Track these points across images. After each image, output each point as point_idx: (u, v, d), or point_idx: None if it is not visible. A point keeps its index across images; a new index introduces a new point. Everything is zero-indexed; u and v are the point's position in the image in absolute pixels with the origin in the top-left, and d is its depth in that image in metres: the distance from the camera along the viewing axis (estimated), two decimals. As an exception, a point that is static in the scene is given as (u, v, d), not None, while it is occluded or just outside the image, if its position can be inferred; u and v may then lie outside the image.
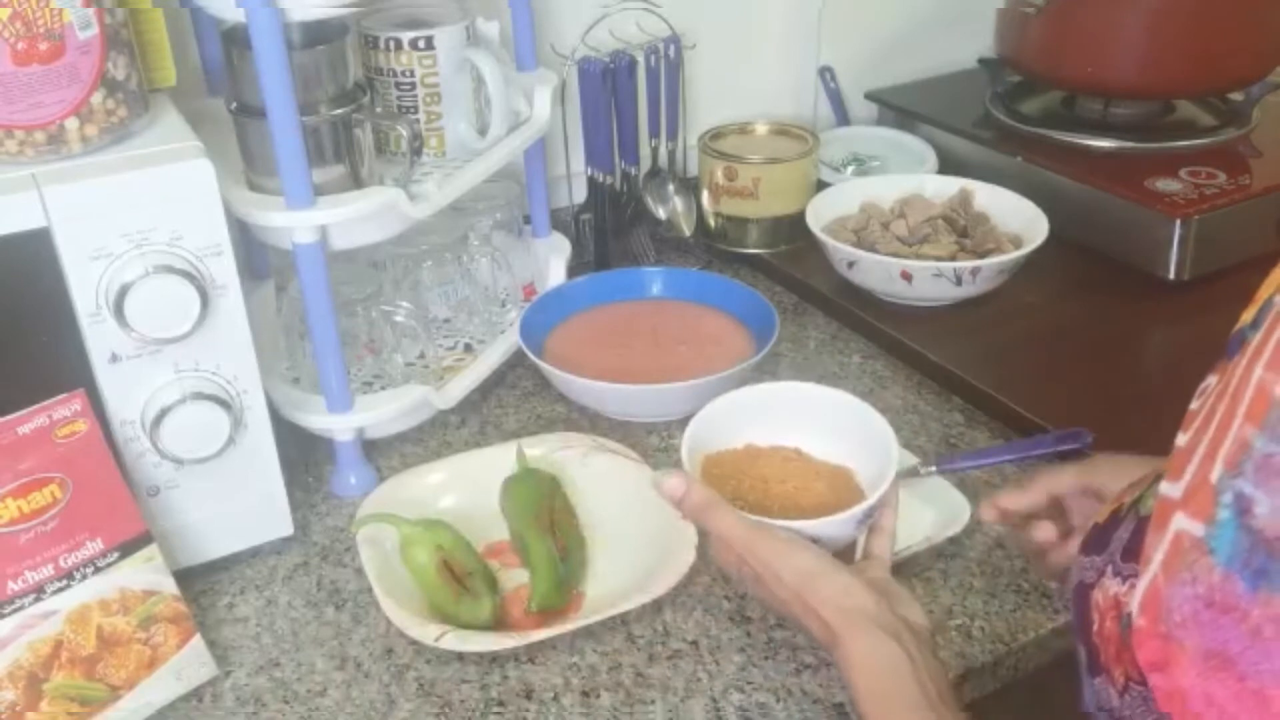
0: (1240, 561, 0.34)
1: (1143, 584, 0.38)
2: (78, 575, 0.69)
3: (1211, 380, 0.40)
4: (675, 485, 0.65)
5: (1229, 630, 0.34)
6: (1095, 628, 0.44)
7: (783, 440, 0.74)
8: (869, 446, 0.71)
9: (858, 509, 0.65)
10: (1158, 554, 0.38)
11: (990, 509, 0.73)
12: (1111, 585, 0.42)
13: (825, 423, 0.73)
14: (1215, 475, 0.36)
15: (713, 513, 0.65)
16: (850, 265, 1.10)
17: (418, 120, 0.96)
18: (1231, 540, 0.34)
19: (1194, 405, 0.40)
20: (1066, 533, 0.71)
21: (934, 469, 0.85)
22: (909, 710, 0.54)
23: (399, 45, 0.93)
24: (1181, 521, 0.37)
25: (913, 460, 0.87)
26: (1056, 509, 0.72)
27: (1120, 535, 0.44)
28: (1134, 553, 0.41)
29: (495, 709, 0.72)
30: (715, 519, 0.65)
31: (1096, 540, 0.47)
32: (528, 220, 1.14)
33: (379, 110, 0.93)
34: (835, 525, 0.65)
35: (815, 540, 0.64)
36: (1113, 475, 0.66)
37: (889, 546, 0.68)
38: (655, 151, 1.22)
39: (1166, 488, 0.39)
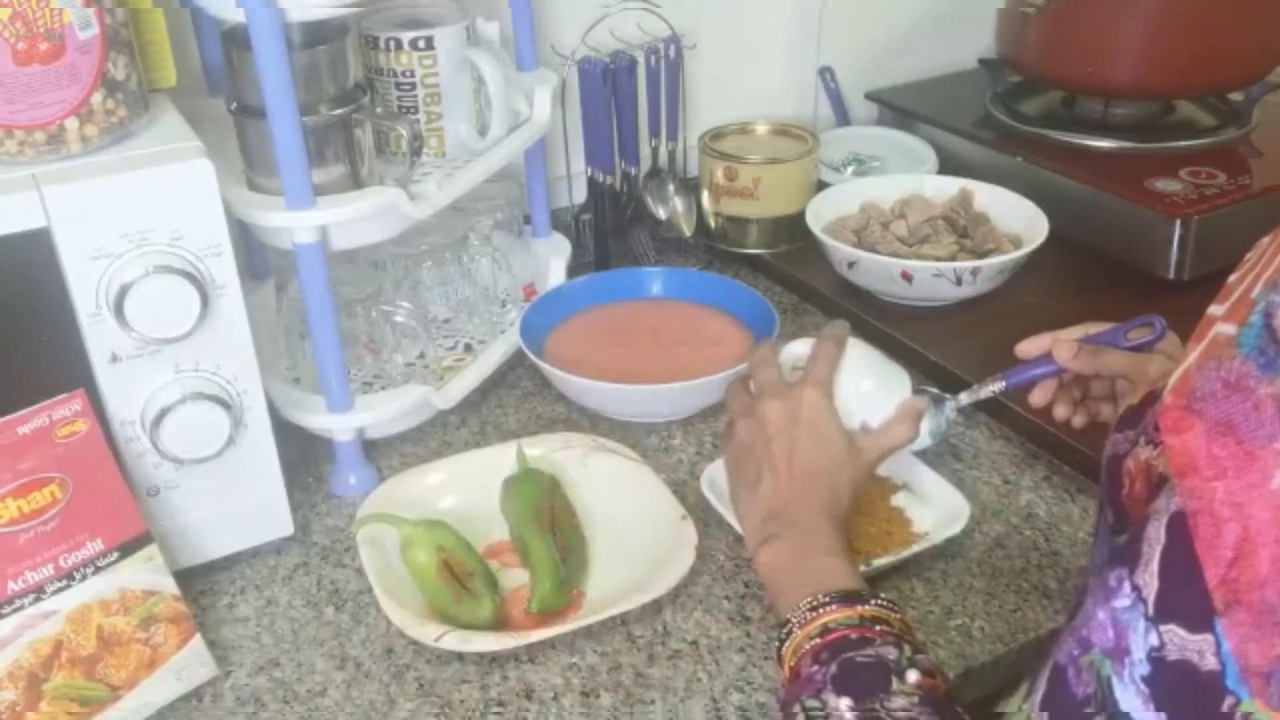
0: (1258, 351, 0.42)
1: (1176, 374, 0.46)
2: (78, 575, 0.69)
3: (1266, 239, 0.48)
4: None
5: (1237, 405, 0.42)
6: (1125, 490, 0.51)
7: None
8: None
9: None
10: (1194, 353, 0.46)
11: (1066, 350, 0.77)
12: (1143, 452, 0.49)
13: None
14: (1255, 292, 0.44)
15: (763, 367, 0.78)
16: (850, 265, 1.10)
17: (418, 120, 0.96)
18: (1256, 336, 0.42)
19: (1248, 255, 0.48)
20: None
21: (1003, 384, 0.81)
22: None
23: (399, 45, 0.93)
24: (1220, 328, 0.45)
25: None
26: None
27: (1154, 410, 0.50)
28: None
29: (495, 709, 0.72)
30: (762, 369, 0.77)
31: (1130, 418, 0.53)
32: (528, 220, 1.14)
33: (379, 110, 0.93)
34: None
35: None
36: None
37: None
38: (655, 151, 1.22)
39: (1213, 309, 0.47)
